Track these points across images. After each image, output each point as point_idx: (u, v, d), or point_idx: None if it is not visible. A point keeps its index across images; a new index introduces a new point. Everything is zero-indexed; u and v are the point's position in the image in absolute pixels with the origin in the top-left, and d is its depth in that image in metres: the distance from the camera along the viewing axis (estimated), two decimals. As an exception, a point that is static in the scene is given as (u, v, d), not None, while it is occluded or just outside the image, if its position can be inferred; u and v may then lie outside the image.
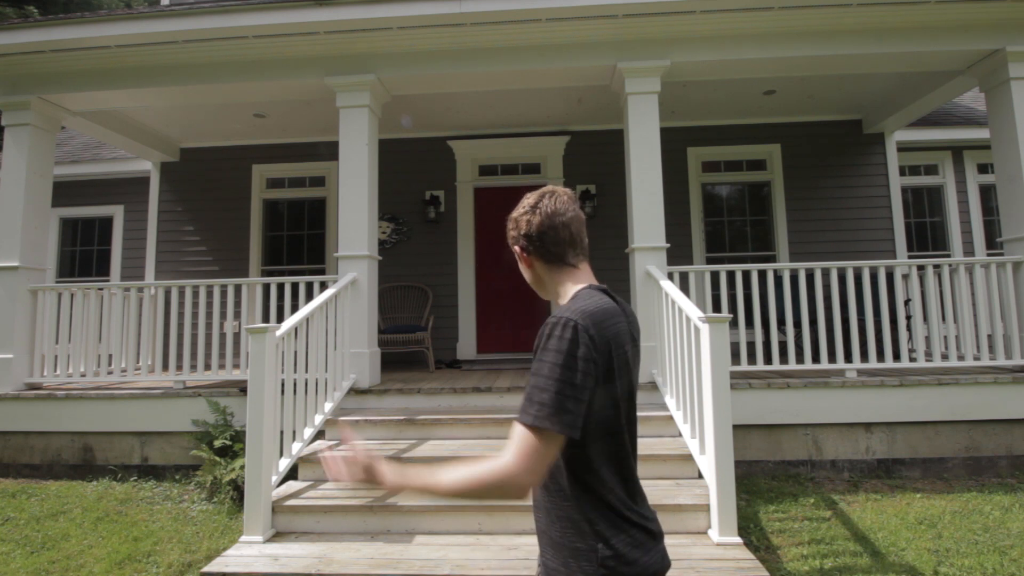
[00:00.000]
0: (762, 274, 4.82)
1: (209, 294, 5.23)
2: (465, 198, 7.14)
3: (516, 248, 1.33)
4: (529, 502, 1.23)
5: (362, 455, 1.14)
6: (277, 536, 3.13)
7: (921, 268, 5.26)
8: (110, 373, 4.96)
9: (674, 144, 6.66)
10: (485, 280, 7.02)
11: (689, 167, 7.05)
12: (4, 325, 4.94)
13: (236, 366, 5.63)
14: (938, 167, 7.55)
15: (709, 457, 3.12)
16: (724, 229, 7.14)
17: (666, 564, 1.22)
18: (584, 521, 1.16)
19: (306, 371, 3.83)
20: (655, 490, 3.27)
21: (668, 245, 4.72)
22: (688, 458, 3.50)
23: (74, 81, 5.17)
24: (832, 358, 4.67)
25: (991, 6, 4.53)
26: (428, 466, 1.11)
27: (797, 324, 5.17)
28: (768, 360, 5.13)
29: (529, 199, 1.32)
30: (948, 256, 7.32)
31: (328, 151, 7.21)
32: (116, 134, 6.38)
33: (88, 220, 8.11)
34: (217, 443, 4.23)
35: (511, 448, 1.06)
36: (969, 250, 7.33)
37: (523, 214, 1.31)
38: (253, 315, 5.88)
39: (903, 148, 7.23)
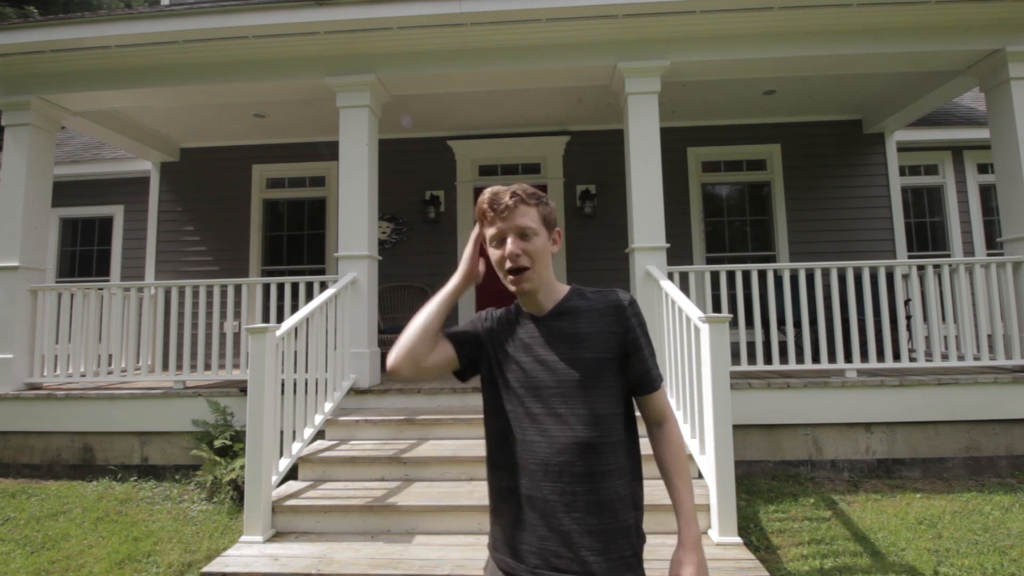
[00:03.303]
0: (762, 274, 4.82)
1: (209, 294, 5.22)
2: (465, 198, 7.14)
3: (556, 229, 1.35)
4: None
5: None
6: (277, 536, 3.13)
7: (921, 268, 5.25)
8: (110, 373, 4.97)
9: (674, 144, 6.65)
10: (485, 280, 7.00)
11: (689, 167, 7.05)
12: (4, 325, 4.94)
13: (236, 366, 5.61)
14: (938, 167, 7.55)
15: (709, 457, 3.12)
16: (724, 229, 7.14)
17: None
18: (633, 489, 1.28)
19: (306, 371, 3.82)
20: (655, 490, 3.24)
21: (668, 245, 4.72)
22: (688, 458, 3.48)
23: (74, 81, 5.17)
24: (832, 358, 4.67)
25: (991, 6, 4.53)
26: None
27: (797, 324, 5.16)
28: (768, 360, 5.12)
29: (531, 187, 1.33)
30: (948, 256, 7.32)
31: (328, 151, 7.21)
32: (116, 134, 6.38)
33: (88, 220, 8.11)
34: (217, 443, 4.23)
35: (668, 405, 1.36)
36: (969, 250, 7.33)
37: (547, 199, 1.35)
38: (253, 315, 5.88)
39: (903, 148, 7.23)
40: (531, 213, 1.28)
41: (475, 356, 1.38)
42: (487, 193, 1.30)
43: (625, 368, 1.30)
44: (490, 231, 1.29)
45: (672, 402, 3.94)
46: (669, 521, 3.13)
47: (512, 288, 1.30)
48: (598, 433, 1.24)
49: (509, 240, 1.27)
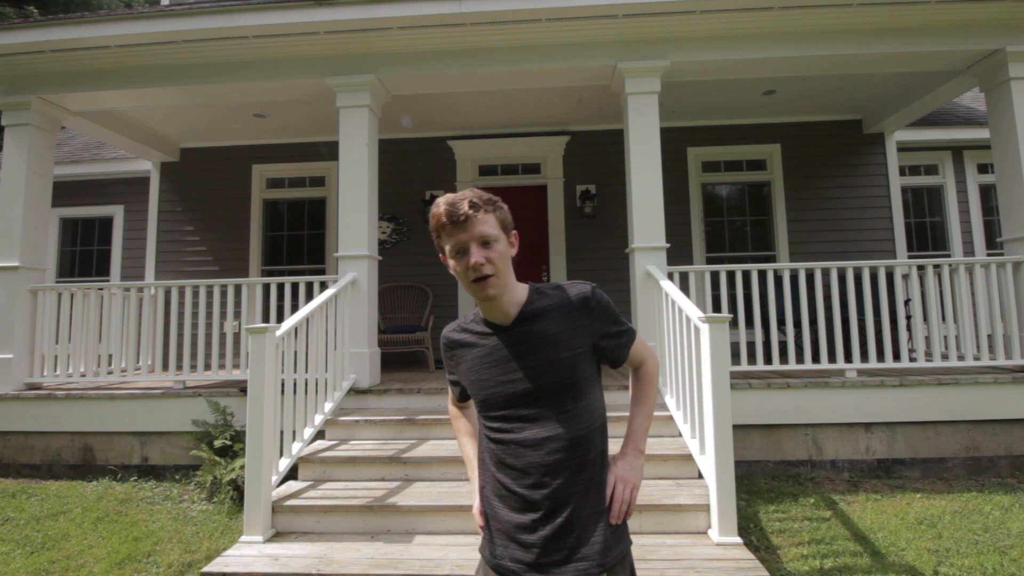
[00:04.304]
0: (762, 274, 4.82)
1: (209, 294, 5.23)
2: (465, 198, 7.13)
3: (513, 231, 1.35)
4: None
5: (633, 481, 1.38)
6: (277, 536, 3.13)
7: (921, 268, 5.26)
8: (110, 373, 4.96)
9: (674, 144, 6.66)
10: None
11: (689, 167, 7.05)
12: (4, 325, 4.93)
13: (236, 366, 5.63)
14: (938, 167, 7.55)
15: (709, 457, 3.11)
16: (724, 229, 7.14)
17: None
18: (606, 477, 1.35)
19: (306, 371, 3.82)
20: (655, 490, 3.27)
21: (668, 245, 4.72)
22: (688, 458, 3.50)
23: (74, 81, 5.17)
24: (832, 358, 4.67)
25: (991, 6, 4.53)
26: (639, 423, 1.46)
27: (797, 324, 5.17)
28: (768, 360, 5.13)
29: (485, 193, 1.32)
30: (948, 256, 7.32)
31: (328, 151, 7.22)
32: (116, 134, 6.38)
33: (88, 220, 8.11)
34: (217, 443, 4.23)
35: (645, 350, 1.46)
36: (969, 250, 7.33)
37: (501, 203, 1.34)
38: (253, 315, 5.89)
39: (903, 148, 7.23)
40: (490, 220, 1.27)
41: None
42: (442, 205, 1.26)
43: (600, 352, 1.37)
44: (448, 243, 1.27)
45: (672, 402, 3.94)
46: (669, 521, 3.16)
47: (477, 296, 1.29)
48: (587, 423, 1.30)
49: (472, 249, 1.25)
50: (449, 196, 1.28)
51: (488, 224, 1.26)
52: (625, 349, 1.40)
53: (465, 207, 1.24)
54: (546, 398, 1.28)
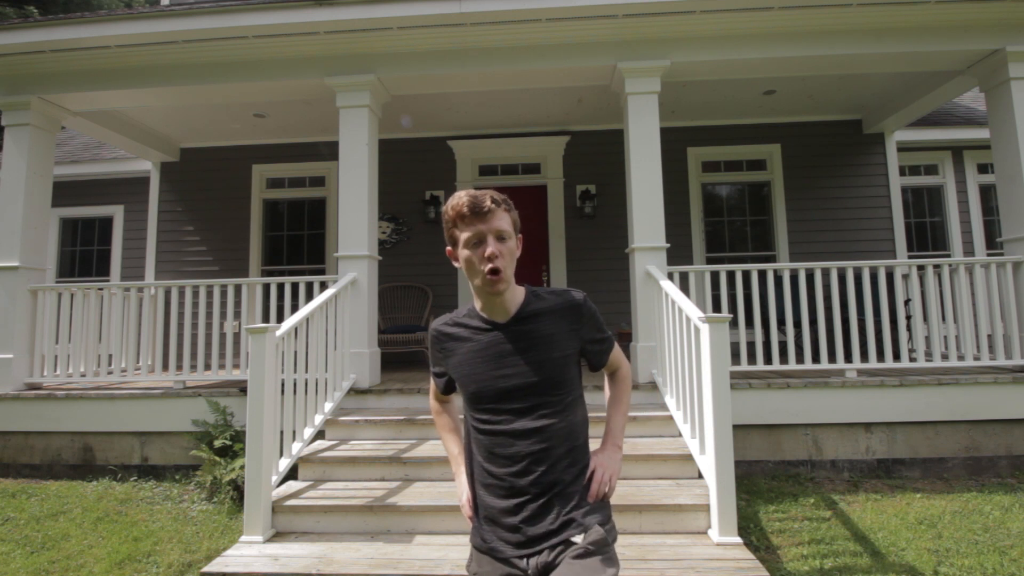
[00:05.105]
0: (762, 274, 4.82)
1: (209, 294, 5.23)
2: (465, 198, 7.13)
3: (519, 235, 1.42)
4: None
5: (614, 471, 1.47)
6: (277, 536, 3.13)
7: (921, 268, 5.26)
8: (110, 373, 4.96)
9: (674, 144, 6.66)
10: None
11: (689, 167, 7.05)
12: (4, 325, 4.93)
13: (236, 366, 5.63)
14: (938, 167, 7.56)
15: (709, 457, 3.12)
16: (724, 229, 7.14)
17: None
18: (588, 447, 1.47)
19: (306, 371, 3.82)
20: (655, 490, 3.27)
21: (668, 245, 4.72)
22: (688, 458, 3.50)
23: (74, 81, 5.17)
24: (832, 358, 4.67)
25: (991, 6, 4.53)
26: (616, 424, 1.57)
27: (797, 324, 5.17)
28: (768, 360, 5.13)
29: (502, 194, 1.39)
30: (948, 256, 7.32)
31: (328, 151, 7.22)
32: (116, 134, 6.38)
33: (88, 220, 8.12)
34: (217, 443, 4.23)
35: (621, 357, 1.59)
36: (969, 250, 7.33)
37: (514, 207, 1.42)
38: (253, 315, 5.88)
39: (903, 148, 7.23)
40: (506, 218, 1.36)
41: (452, 380, 1.56)
42: (464, 197, 1.34)
43: (585, 355, 1.50)
44: (466, 233, 1.34)
45: (672, 402, 3.94)
46: (669, 521, 3.16)
47: (487, 289, 1.35)
48: (570, 417, 1.40)
49: (489, 240, 1.33)
50: (470, 190, 1.37)
51: (505, 221, 1.35)
52: (606, 355, 1.53)
53: (488, 202, 1.33)
54: (536, 394, 1.36)
